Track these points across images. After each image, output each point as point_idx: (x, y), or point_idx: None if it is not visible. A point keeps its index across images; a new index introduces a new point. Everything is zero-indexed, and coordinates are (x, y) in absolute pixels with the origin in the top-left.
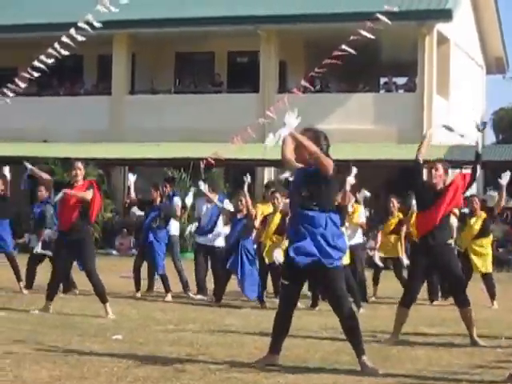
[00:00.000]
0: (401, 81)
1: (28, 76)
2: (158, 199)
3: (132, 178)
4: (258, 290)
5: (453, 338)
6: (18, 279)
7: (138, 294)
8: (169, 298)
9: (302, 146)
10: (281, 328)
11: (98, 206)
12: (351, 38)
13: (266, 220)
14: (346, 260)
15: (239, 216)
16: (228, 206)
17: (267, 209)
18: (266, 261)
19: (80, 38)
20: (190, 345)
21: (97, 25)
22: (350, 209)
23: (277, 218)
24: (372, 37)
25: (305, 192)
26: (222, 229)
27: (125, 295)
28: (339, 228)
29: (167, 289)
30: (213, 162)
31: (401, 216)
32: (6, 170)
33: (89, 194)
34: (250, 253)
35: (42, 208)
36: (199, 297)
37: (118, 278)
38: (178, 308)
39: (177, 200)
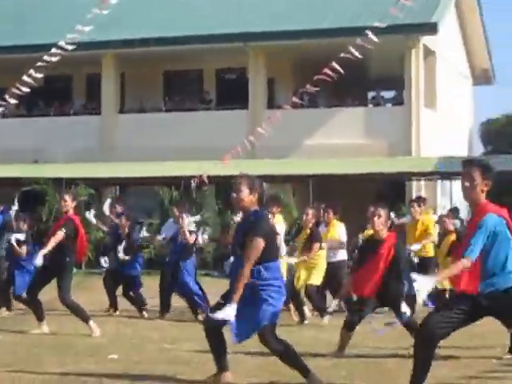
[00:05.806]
0: (389, 94)
1: (17, 92)
2: None
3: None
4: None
5: (450, 351)
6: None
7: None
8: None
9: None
10: None
11: None
12: (340, 55)
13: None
14: None
15: None
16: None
17: None
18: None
19: (70, 47)
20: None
21: (86, 30)
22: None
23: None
24: (360, 56)
25: None
26: None
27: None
28: None
29: None
30: (204, 180)
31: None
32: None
33: None
34: None
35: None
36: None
37: None
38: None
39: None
